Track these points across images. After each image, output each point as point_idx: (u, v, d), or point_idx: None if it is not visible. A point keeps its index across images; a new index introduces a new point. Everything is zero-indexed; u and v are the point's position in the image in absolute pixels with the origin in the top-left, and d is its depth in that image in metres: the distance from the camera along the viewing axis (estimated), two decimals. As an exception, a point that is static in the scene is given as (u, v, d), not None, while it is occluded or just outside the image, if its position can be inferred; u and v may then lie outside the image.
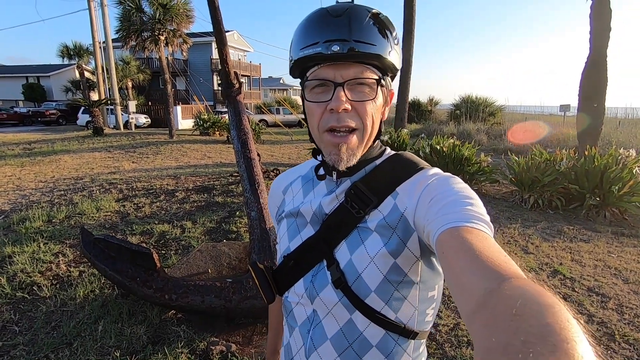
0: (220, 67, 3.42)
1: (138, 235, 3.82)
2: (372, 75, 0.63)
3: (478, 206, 0.54)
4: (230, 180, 6.17)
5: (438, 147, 6.77)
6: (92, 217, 4.33)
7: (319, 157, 0.73)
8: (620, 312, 2.78)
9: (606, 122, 7.96)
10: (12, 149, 10.38)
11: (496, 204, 5.78)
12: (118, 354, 2.16)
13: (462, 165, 6.41)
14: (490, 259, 0.42)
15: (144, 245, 3.58)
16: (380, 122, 0.68)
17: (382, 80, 0.65)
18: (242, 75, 27.16)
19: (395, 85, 0.77)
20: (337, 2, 0.65)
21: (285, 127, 20.08)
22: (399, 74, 0.72)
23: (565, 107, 18.84)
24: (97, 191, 5.54)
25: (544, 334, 0.29)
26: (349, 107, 0.62)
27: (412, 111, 18.95)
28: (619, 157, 5.38)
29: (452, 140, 6.87)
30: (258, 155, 5.07)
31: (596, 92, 6.72)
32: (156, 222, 4.13)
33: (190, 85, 26.32)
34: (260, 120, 19.84)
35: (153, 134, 14.98)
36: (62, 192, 5.61)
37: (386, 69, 0.65)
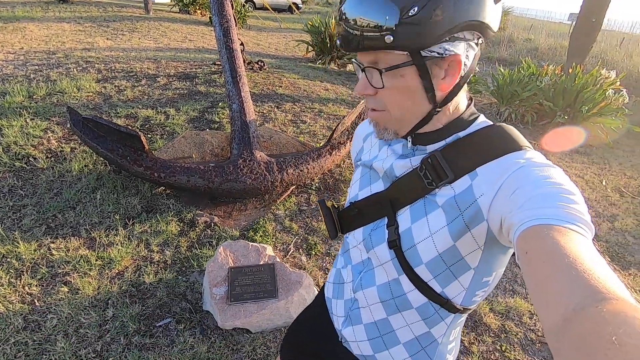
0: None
1: (123, 118, 3.94)
2: (387, 58, 0.56)
3: (578, 203, 0.46)
4: (212, 69, 6.01)
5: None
6: (74, 96, 4.33)
7: None
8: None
9: (606, 39, 7.71)
10: (-32, 11, 9.33)
11: (472, 115, 6.00)
12: (117, 217, 2.55)
13: (448, 72, 6.37)
14: (587, 270, 0.36)
15: (130, 128, 3.74)
16: (431, 98, 0.59)
17: (390, 68, 0.56)
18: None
19: None
20: None
21: (274, 11, 18.26)
22: None
23: (575, 17, 17.66)
24: (74, 69, 5.35)
25: None
26: (371, 92, 0.60)
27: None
28: (599, 78, 5.47)
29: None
30: (242, 44, 4.90)
31: (599, 3, 6.37)
32: (140, 106, 4.20)
33: (165, -54, 22.48)
34: (247, 1, 17.87)
35: (126, 6, 13.45)
36: (37, 67, 5.39)
37: (415, 45, 0.53)
